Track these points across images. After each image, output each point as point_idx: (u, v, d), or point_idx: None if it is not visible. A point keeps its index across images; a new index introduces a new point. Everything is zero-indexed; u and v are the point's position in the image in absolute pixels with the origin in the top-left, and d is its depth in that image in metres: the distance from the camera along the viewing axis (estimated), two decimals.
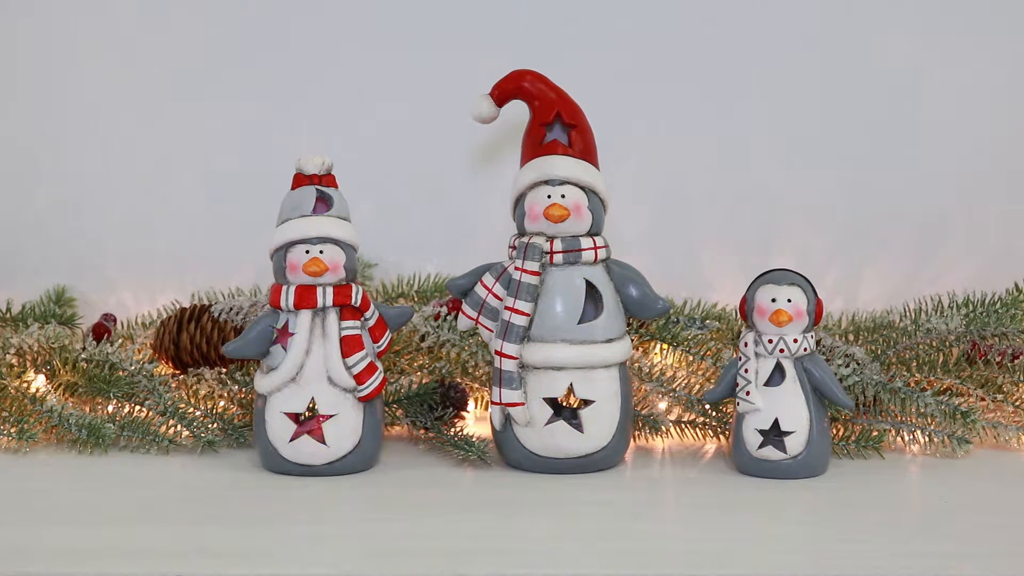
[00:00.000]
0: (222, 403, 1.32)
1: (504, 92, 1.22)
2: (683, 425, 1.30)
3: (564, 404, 1.19)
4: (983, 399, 1.28)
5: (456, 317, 1.28)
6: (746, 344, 1.19)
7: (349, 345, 1.18)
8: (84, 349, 1.35)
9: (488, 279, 1.21)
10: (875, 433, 1.25)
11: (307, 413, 1.18)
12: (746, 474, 1.20)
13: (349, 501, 1.14)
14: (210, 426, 1.28)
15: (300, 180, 1.20)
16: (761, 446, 1.18)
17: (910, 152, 1.53)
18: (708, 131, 1.54)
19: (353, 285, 1.20)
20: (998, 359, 1.31)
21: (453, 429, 1.28)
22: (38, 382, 1.34)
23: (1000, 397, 1.28)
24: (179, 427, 1.27)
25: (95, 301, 1.56)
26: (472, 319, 1.22)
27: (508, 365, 1.19)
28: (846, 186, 1.54)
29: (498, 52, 1.49)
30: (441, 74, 1.53)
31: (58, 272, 1.55)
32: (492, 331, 1.21)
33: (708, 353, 1.32)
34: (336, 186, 1.21)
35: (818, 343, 1.29)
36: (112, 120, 1.56)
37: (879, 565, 0.98)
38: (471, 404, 1.34)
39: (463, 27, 1.53)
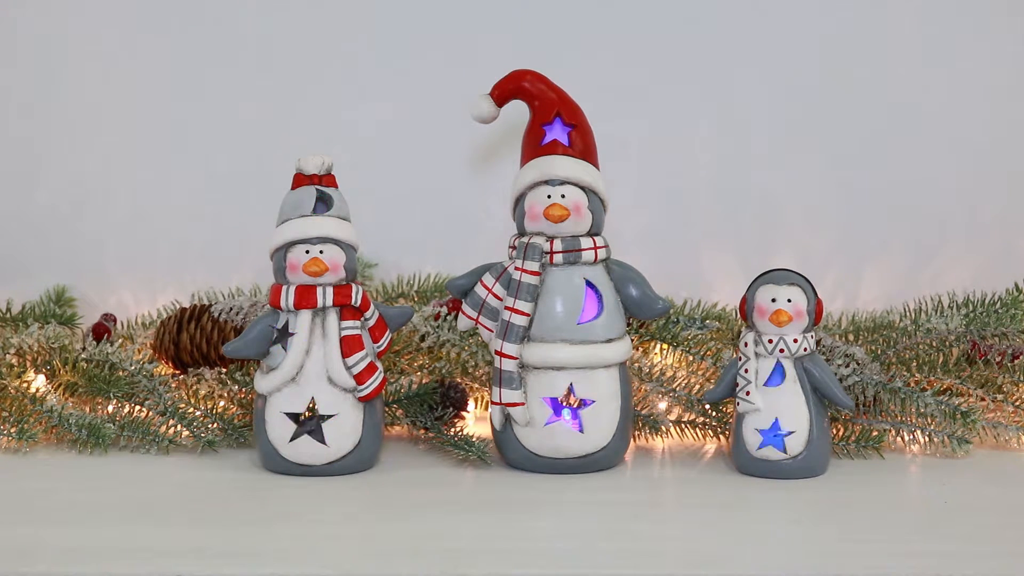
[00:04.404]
0: (222, 403, 1.32)
1: (504, 92, 1.22)
2: (683, 425, 1.30)
3: (305, 416, 1.18)
4: (983, 399, 1.28)
5: (456, 317, 1.28)
6: (746, 344, 1.19)
7: (349, 345, 1.18)
8: (84, 349, 1.35)
9: (488, 279, 1.21)
10: (875, 433, 1.25)
11: (306, 414, 1.18)
12: (746, 474, 1.20)
13: (349, 501, 1.14)
14: (210, 426, 1.28)
15: (300, 180, 1.20)
16: (761, 447, 1.18)
17: (910, 152, 1.53)
18: (708, 131, 1.54)
19: (353, 285, 1.20)
20: (998, 359, 1.31)
21: (453, 429, 1.28)
22: (38, 382, 1.34)
23: (1000, 397, 1.28)
24: (179, 427, 1.27)
25: (95, 301, 1.56)
26: (472, 319, 1.22)
27: (508, 365, 1.19)
28: (846, 186, 1.54)
29: (498, 52, 1.49)
30: (441, 74, 1.53)
31: (58, 272, 1.55)
32: (492, 331, 1.21)
33: (708, 353, 1.32)
34: (336, 186, 1.21)
35: (818, 343, 1.29)
36: (112, 120, 1.56)
37: (879, 565, 0.98)
38: (471, 404, 1.34)
39: (463, 27, 1.53)
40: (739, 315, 1.22)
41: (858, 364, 1.28)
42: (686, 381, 1.31)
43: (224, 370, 1.34)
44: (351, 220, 1.21)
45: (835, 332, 1.38)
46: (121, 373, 1.31)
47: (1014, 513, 1.11)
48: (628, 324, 1.24)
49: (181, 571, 0.97)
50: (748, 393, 1.18)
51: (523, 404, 1.19)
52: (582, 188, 1.20)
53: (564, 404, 1.19)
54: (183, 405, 1.29)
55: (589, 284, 1.20)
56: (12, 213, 1.57)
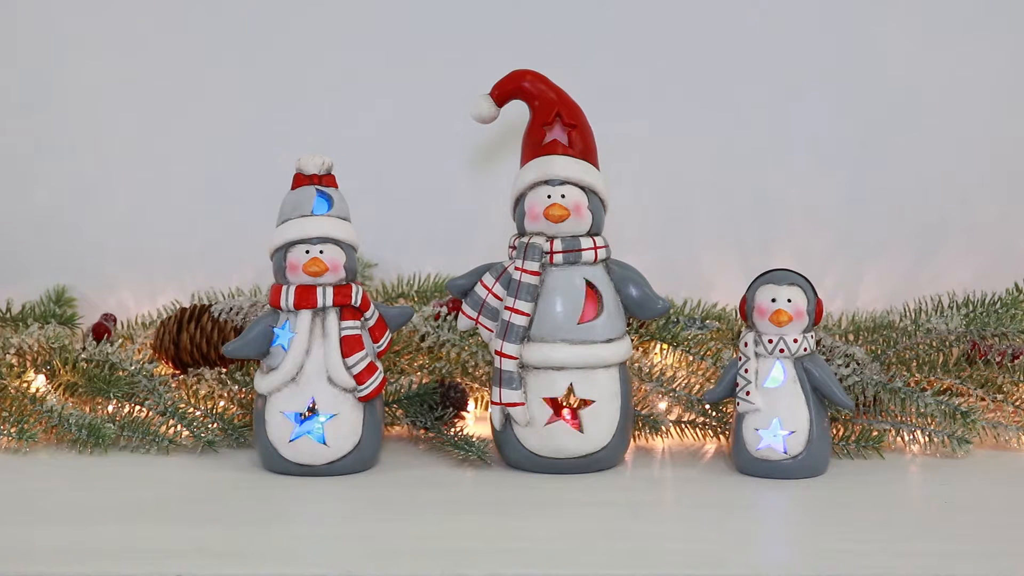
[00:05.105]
0: (222, 403, 1.32)
1: (504, 92, 1.22)
2: (683, 425, 1.30)
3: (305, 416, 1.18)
4: (983, 399, 1.28)
5: (456, 317, 1.28)
6: (746, 344, 1.19)
7: (349, 345, 1.18)
8: (84, 349, 1.35)
9: (488, 279, 1.21)
10: (875, 433, 1.25)
11: (306, 414, 1.18)
12: (746, 474, 1.20)
13: (349, 501, 1.14)
14: (210, 426, 1.28)
15: (300, 180, 1.20)
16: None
17: (910, 152, 1.53)
18: (708, 131, 1.54)
19: (353, 285, 1.20)
20: (998, 359, 1.31)
21: (453, 429, 1.28)
22: (38, 382, 1.34)
23: (1000, 397, 1.28)
24: (179, 427, 1.27)
25: (95, 301, 1.56)
26: (472, 319, 1.22)
27: (508, 365, 1.19)
28: (846, 186, 1.54)
29: (498, 52, 1.49)
30: (441, 74, 1.53)
31: (58, 272, 1.55)
32: (492, 331, 1.21)
33: (708, 353, 1.32)
34: (336, 186, 1.21)
35: (818, 343, 1.29)
36: (112, 120, 1.56)
37: (879, 565, 0.98)
38: (471, 404, 1.34)
39: (463, 27, 1.53)
40: (739, 315, 1.22)
41: (858, 364, 1.28)
42: (686, 381, 1.31)
43: (224, 370, 1.34)
44: (351, 220, 1.21)
45: (835, 332, 1.38)
46: (121, 373, 1.31)
47: (1014, 513, 1.11)
48: (628, 324, 1.24)
49: (181, 571, 0.97)
50: (748, 393, 1.18)
51: (523, 404, 1.19)
52: (582, 188, 1.20)
53: (564, 404, 1.19)
54: (183, 405, 1.29)
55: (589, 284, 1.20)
56: (12, 213, 1.57)
